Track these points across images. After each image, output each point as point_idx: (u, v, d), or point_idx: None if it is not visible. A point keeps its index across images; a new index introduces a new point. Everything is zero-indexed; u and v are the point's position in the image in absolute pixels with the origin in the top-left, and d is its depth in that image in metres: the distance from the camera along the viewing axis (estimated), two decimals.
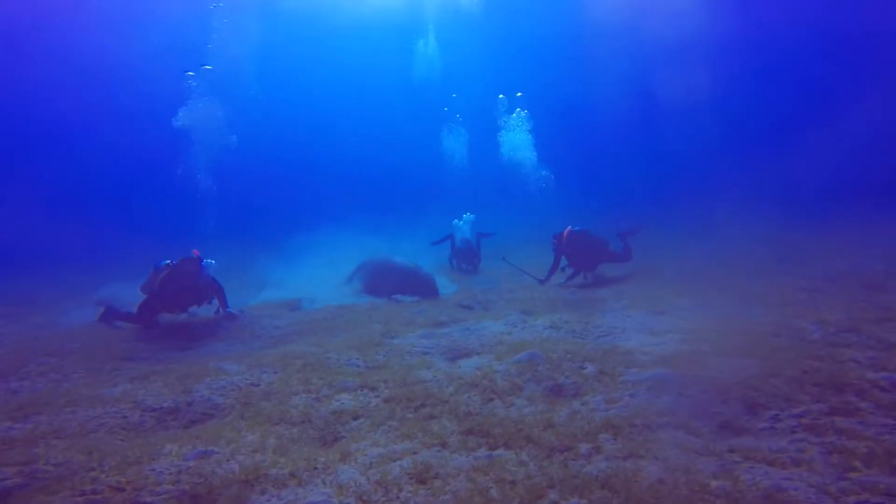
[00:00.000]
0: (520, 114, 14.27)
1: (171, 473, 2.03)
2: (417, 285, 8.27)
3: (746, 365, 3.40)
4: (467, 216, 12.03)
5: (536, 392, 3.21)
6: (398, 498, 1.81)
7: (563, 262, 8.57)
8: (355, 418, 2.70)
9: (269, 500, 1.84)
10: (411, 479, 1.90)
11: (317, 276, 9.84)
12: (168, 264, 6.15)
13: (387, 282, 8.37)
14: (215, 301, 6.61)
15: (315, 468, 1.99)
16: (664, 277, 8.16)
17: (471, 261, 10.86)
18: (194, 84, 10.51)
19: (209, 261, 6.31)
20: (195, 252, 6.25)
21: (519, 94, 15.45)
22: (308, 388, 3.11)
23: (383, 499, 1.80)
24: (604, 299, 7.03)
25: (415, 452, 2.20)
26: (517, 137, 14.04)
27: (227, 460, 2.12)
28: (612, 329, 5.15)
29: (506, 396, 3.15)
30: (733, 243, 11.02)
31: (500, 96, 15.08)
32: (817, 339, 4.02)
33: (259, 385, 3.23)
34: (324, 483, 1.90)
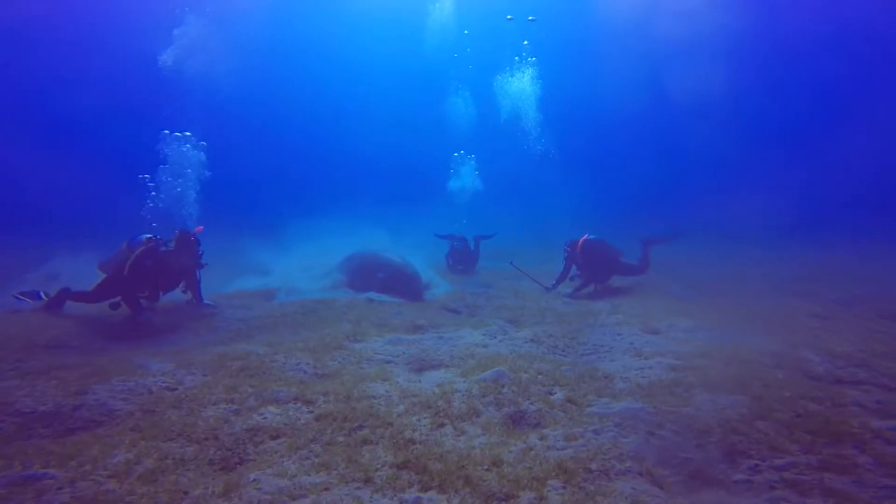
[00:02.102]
0: (525, 60, 13.50)
1: None
2: (402, 284, 8.08)
3: (735, 402, 3.15)
4: (468, 158, 11.53)
5: (494, 419, 2.98)
6: None
7: (573, 270, 8.42)
8: (274, 437, 2.48)
9: None
10: None
11: (306, 265, 9.69)
12: (150, 239, 5.55)
13: (371, 278, 8.19)
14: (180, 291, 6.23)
15: None
16: (669, 293, 7.93)
17: (466, 261, 10.79)
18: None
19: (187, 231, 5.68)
20: (199, 229, 5.74)
21: (531, 17, 14.83)
22: (231, 397, 2.89)
23: None
24: (598, 312, 6.79)
25: (325, 489, 1.98)
26: (519, 89, 13.37)
27: (59, 488, 1.81)
28: (598, 347, 4.91)
29: (459, 422, 2.92)
30: (752, 259, 10.74)
31: (509, 17, 14.47)
32: (821, 375, 3.76)
33: (176, 389, 3.02)
34: None
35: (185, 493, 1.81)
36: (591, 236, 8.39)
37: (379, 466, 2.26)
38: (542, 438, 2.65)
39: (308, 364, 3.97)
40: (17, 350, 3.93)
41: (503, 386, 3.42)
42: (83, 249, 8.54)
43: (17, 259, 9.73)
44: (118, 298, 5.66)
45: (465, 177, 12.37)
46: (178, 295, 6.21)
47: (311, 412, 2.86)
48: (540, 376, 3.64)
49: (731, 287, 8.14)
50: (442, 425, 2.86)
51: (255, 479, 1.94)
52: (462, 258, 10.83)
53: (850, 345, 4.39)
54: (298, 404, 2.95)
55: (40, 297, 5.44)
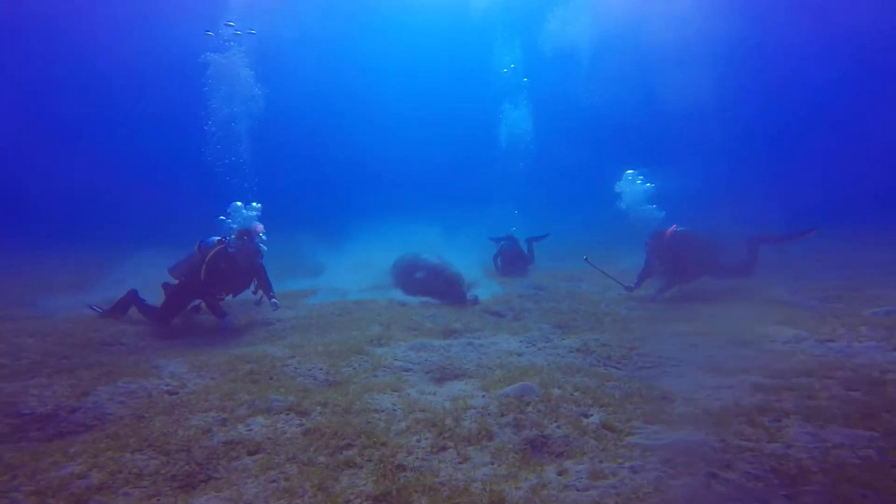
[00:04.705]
0: None
1: None
2: (442, 285, 7.89)
3: (855, 439, 2.37)
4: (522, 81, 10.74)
5: (509, 444, 2.58)
6: None
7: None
8: (252, 453, 2.35)
9: None
10: None
11: (358, 265, 10.03)
12: (221, 241, 5.73)
13: (412, 280, 8.16)
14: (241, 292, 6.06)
15: None
16: (768, 296, 6.67)
17: (517, 262, 10.36)
18: None
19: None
20: (258, 227, 5.84)
21: None
22: (223, 405, 2.86)
23: None
24: (670, 319, 5.91)
25: None
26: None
27: None
28: (663, 360, 4.18)
29: (465, 446, 2.57)
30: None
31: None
32: None
33: (176, 393, 3.07)
34: None
35: None
36: (681, 227, 7.37)
37: (351, 497, 2.01)
38: (561, 473, 2.20)
39: (321, 370, 3.89)
40: (72, 346, 4.41)
41: (527, 404, 2.99)
42: (161, 246, 9.58)
43: (101, 257, 11.33)
44: (199, 302, 6.02)
45: (516, 120, 11.78)
46: (248, 296, 6.27)
47: (302, 425, 2.72)
48: (576, 393, 3.13)
49: (864, 291, 6.56)
50: (444, 448, 2.53)
51: None
52: (513, 259, 10.38)
53: None
54: (291, 415, 2.82)
55: (94, 309, 5.91)
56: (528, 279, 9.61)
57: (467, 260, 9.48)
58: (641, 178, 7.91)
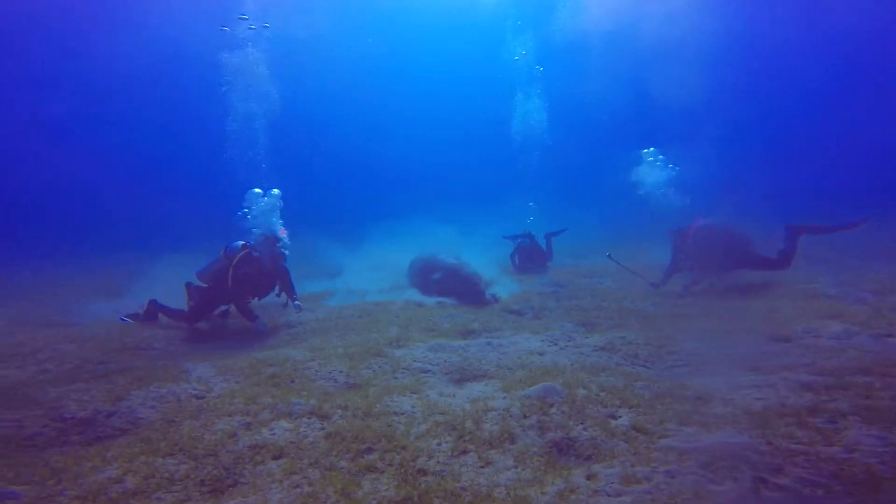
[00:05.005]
0: None
1: None
2: (459, 285, 7.81)
3: None
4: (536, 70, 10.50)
5: (533, 447, 2.47)
6: None
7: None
8: (275, 458, 2.34)
9: None
10: None
11: (376, 265, 10.10)
12: (245, 245, 5.84)
13: (429, 280, 8.12)
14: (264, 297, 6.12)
15: None
16: (811, 289, 6.28)
17: (535, 259, 10.17)
18: None
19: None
20: (283, 231, 5.94)
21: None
22: (247, 409, 2.86)
23: None
24: (701, 315, 5.65)
25: None
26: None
27: None
28: (694, 357, 3.98)
29: (487, 449, 2.48)
30: None
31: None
32: None
33: (203, 398, 3.11)
34: None
35: None
36: (706, 221, 7.06)
37: (374, 503, 1.96)
38: (590, 477, 2.08)
39: (341, 372, 3.87)
40: (108, 351, 4.55)
41: (551, 405, 2.87)
42: (186, 251, 9.83)
43: (127, 262, 11.73)
44: (227, 307, 6.16)
45: (529, 111, 11.62)
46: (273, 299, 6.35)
47: (323, 428, 2.69)
48: (602, 394, 2.99)
49: None
50: (465, 452, 2.46)
51: None
52: (530, 256, 10.19)
53: None
54: (313, 419, 2.80)
55: (124, 319, 6.07)
56: (548, 276, 9.42)
57: (484, 258, 9.38)
58: (661, 158, 7.63)
